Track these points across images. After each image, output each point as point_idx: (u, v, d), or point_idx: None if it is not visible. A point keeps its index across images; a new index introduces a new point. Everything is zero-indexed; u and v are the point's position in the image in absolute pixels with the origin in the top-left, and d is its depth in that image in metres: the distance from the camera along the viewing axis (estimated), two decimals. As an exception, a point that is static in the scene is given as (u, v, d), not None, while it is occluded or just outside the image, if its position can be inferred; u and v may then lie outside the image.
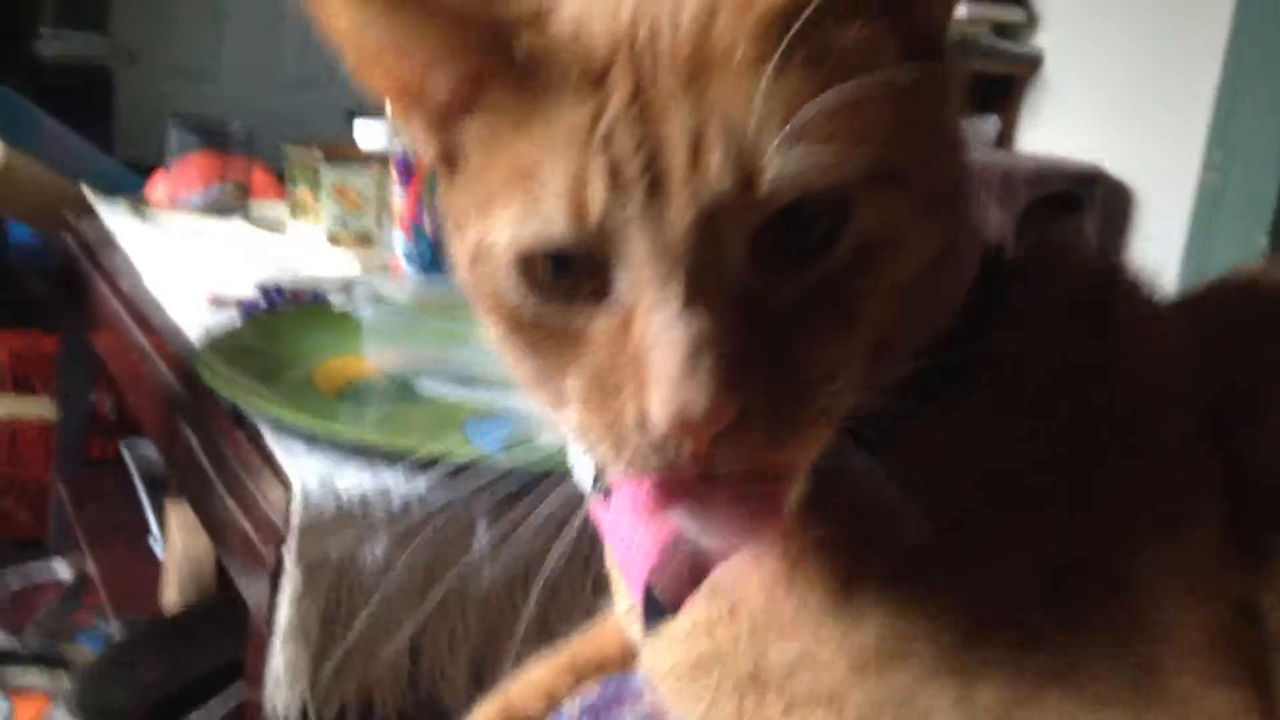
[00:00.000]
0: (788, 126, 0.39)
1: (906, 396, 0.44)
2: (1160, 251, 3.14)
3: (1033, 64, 3.47)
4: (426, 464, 0.91)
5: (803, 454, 0.41)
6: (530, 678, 0.66)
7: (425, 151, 0.48)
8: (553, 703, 0.64)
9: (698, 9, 0.41)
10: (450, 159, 0.46)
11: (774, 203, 0.39)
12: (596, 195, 0.40)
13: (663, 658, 0.49)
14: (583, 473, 0.53)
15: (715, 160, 0.39)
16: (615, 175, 0.40)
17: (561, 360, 0.43)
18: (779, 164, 0.39)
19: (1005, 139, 3.55)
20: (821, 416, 0.40)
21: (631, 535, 0.50)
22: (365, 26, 0.44)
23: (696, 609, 0.48)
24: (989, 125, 3.55)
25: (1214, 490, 0.45)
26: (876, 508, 0.44)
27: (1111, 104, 3.22)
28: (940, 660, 0.42)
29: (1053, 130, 3.42)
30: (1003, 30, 3.49)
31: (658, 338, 0.39)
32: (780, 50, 0.39)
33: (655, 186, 0.39)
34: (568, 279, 0.42)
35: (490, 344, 0.47)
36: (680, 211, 0.39)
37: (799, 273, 0.40)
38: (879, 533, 0.44)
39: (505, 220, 0.42)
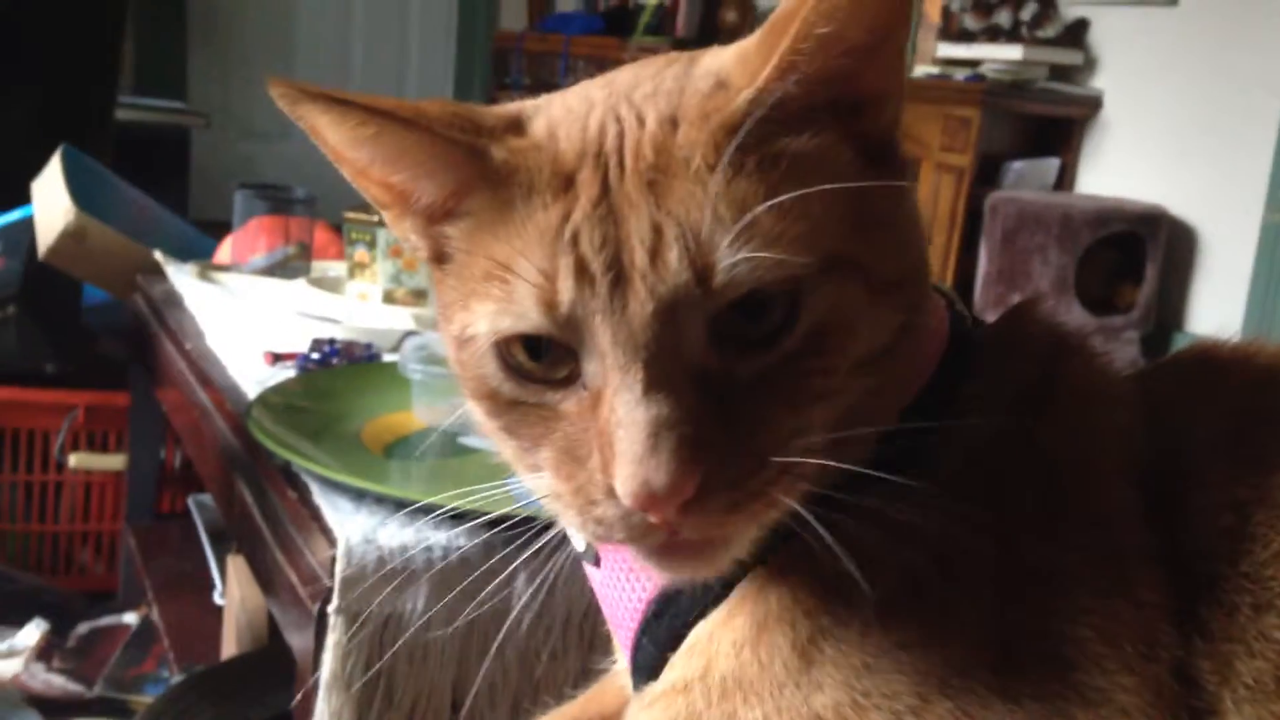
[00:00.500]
0: (738, 226, 0.42)
1: (866, 471, 0.46)
2: (1225, 291, 3.09)
3: (1092, 106, 3.45)
4: (468, 517, 0.93)
5: (761, 519, 0.45)
6: None
7: (418, 252, 0.52)
8: None
9: (660, 119, 0.45)
10: (439, 257, 0.51)
11: (727, 295, 0.43)
12: (565, 290, 0.44)
13: (643, 718, 0.50)
14: (575, 538, 0.55)
15: (673, 257, 0.43)
16: (581, 271, 0.44)
17: (536, 434, 0.46)
18: (730, 260, 0.42)
19: (1065, 180, 3.53)
20: (779, 485, 0.44)
21: (620, 597, 0.52)
22: (355, 145, 0.49)
23: (675, 669, 0.49)
24: (1049, 167, 3.53)
25: (1151, 558, 0.46)
26: (832, 575, 0.46)
27: (1172, 144, 3.19)
28: None
29: (1113, 171, 3.40)
30: (1061, 73, 3.49)
31: (622, 420, 0.42)
32: (728, 157, 0.43)
33: (618, 281, 0.43)
34: (542, 363, 0.46)
35: (477, 422, 0.51)
36: (640, 304, 0.43)
37: (755, 356, 0.44)
38: (834, 601, 0.46)
39: (484, 313, 0.46)
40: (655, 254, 0.43)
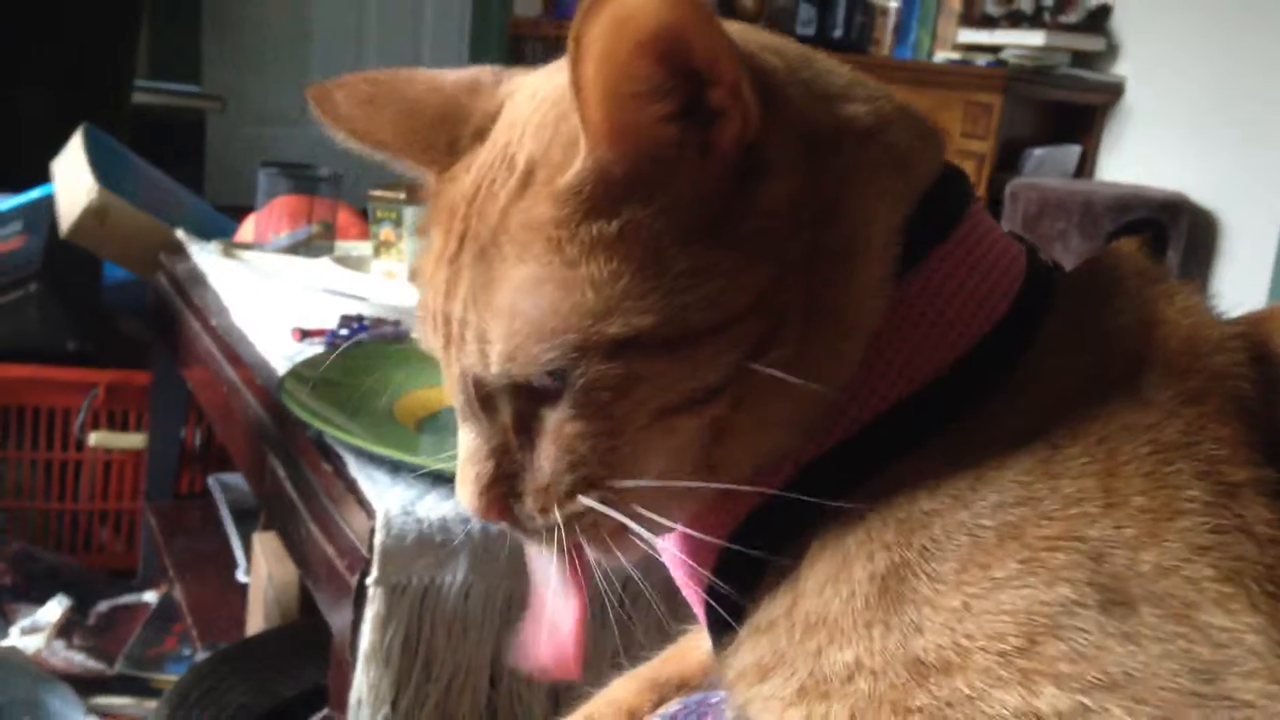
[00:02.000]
0: (501, 324, 0.46)
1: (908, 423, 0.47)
2: (1247, 277, 3.07)
3: (1114, 92, 3.43)
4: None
5: (605, 545, 0.50)
6: (611, 695, 0.67)
7: None
8: None
9: (514, 184, 0.48)
10: None
11: (504, 377, 0.47)
12: (426, 329, 0.52)
13: (731, 665, 0.49)
14: None
15: (468, 342, 0.48)
16: (433, 322, 0.50)
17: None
18: (495, 357, 0.47)
19: (1086, 167, 3.51)
20: (588, 527, 0.49)
21: (684, 551, 0.51)
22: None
23: (760, 611, 0.48)
24: (1070, 154, 3.51)
25: (1273, 494, 0.44)
26: (919, 511, 0.45)
27: (1194, 131, 3.17)
28: (999, 667, 0.42)
29: (1135, 158, 3.37)
30: (1083, 59, 3.46)
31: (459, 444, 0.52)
32: (529, 248, 0.47)
33: (446, 342, 0.50)
34: None
35: None
36: (454, 365, 0.49)
37: (548, 411, 0.48)
38: (922, 537, 0.44)
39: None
40: (461, 336, 0.48)
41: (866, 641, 0.44)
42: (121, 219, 1.82)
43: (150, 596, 1.90)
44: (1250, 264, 3.07)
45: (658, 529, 0.49)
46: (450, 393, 0.50)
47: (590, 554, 0.51)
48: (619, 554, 0.50)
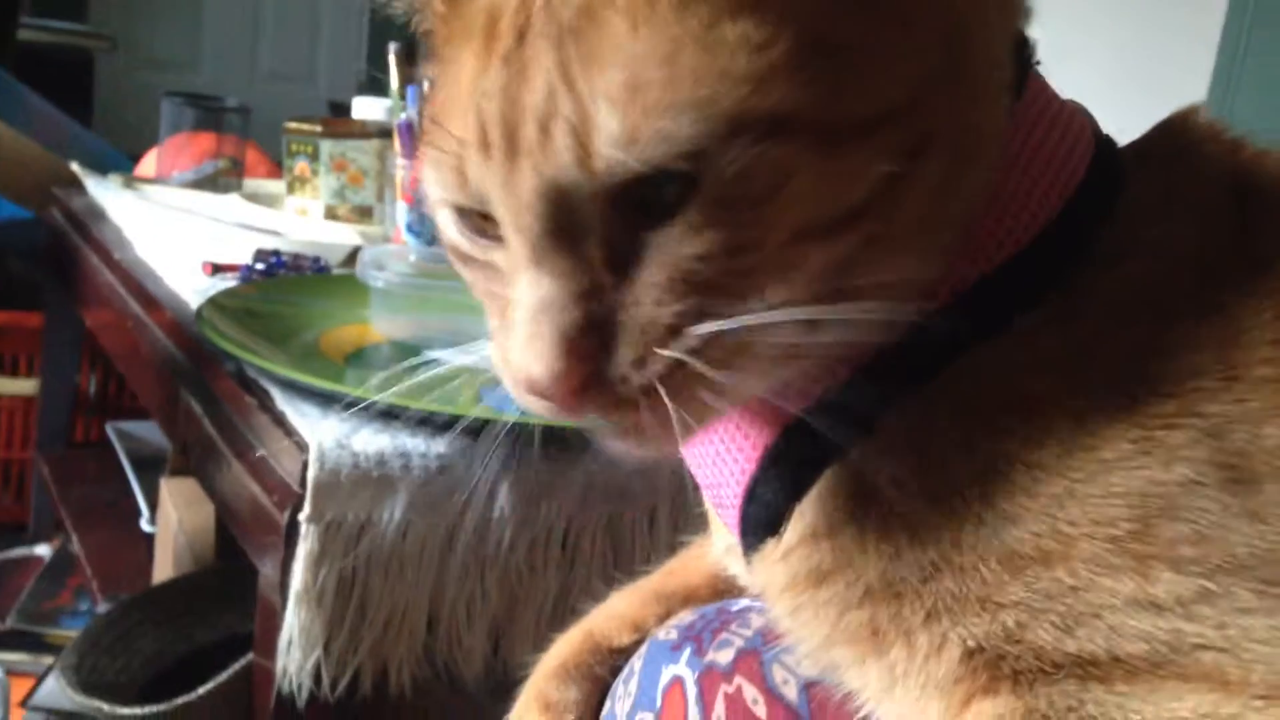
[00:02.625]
0: (618, 93, 0.37)
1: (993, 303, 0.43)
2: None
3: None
4: (445, 425, 0.88)
5: (688, 407, 0.41)
6: (613, 608, 0.63)
7: None
8: (640, 633, 0.60)
9: None
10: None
11: (612, 177, 0.38)
12: (471, 161, 0.40)
13: (778, 574, 0.46)
14: None
15: (559, 133, 0.38)
16: (484, 141, 0.40)
17: (487, 294, 0.44)
18: (606, 140, 0.37)
19: (995, 132, 3.56)
20: (684, 378, 0.40)
21: (721, 452, 0.48)
22: None
23: (810, 514, 0.45)
24: (978, 119, 3.56)
25: None
26: (1014, 395, 0.41)
27: (1105, 93, 3.22)
28: (1109, 554, 0.39)
29: (1043, 123, 3.43)
30: (993, 24, 3.50)
31: (513, 293, 0.41)
32: (641, 14, 0.37)
33: (513, 154, 0.39)
34: (489, 219, 0.42)
35: None
36: (526, 182, 0.39)
37: (657, 229, 0.39)
38: (1017, 422, 0.41)
39: (428, 174, 0.43)
40: (544, 130, 0.38)
41: (954, 535, 0.41)
42: (9, 149, 1.72)
43: (43, 550, 1.81)
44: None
45: (759, 381, 0.42)
46: (511, 226, 0.40)
47: (691, 410, 0.41)
48: (709, 412, 0.41)
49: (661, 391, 0.39)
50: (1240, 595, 0.38)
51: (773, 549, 0.46)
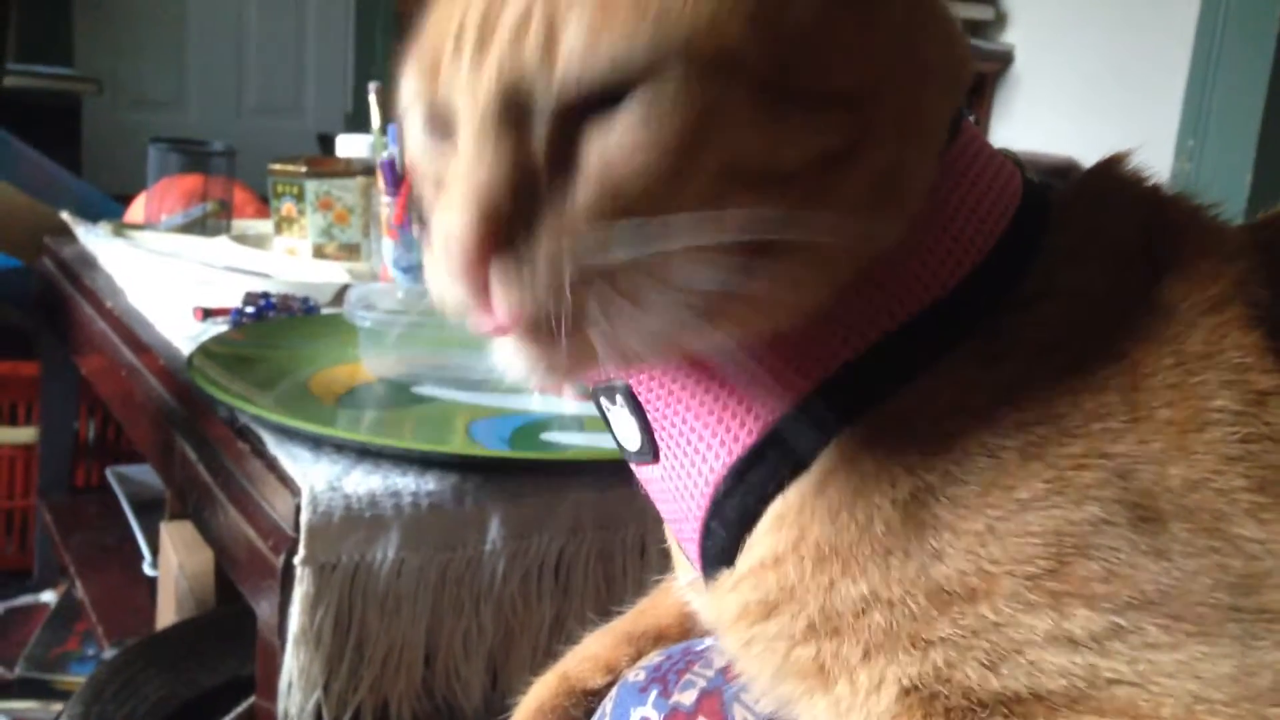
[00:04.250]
0: (591, 17, 0.39)
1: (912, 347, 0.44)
2: (1138, 241, 3.16)
3: (1003, 60, 3.49)
4: (436, 463, 0.89)
5: (585, 333, 0.40)
6: (587, 650, 0.64)
7: None
8: (613, 674, 0.61)
9: None
10: None
11: (570, 85, 0.39)
12: (445, 59, 0.42)
13: (729, 604, 0.47)
14: (627, 437, 0.51)
15: (529, 38, 0.40)
16: (459, 40, 0.42)
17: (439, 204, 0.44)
18: (569, 44, 0.39)
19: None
20: (605, 291, 0.40)
21: (681, 486, 0.49)
22: None
23: (757, 547, 0.46)
24: (961, 124, 3.58)
25: None
26: (935, 432, 0.43)
27: (1083, 96, 3.25)
28: (1028, 591, 0.41)
29: (1026, 124, 3.44)
30: (972, 28, 3.52)
31: (452, 173, 0.41)
32: None
33: (481, 51, 0.41)
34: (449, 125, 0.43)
35: None
36: (488, 77, 0.40)
37: (594, 147, 0.40)
38: (941, 458, 0.43)
39: (406, 77, 0.45)
40: (516, 33, 0.40)
41: (883, 571, 0.42)
42: (0, 201, 1.73)
43: (48, 596, 1.82)
44: (1137, 225, 3.17)
45: (658, 326, 0.41)
46: (465, 119, 0.41)
47: (595, 334, 0.41)
48: (632, 325, 0.41)
49: (563, 298, 0.40)
50: (1149, 631, 0.40)
51: (726, 579, 0.47)
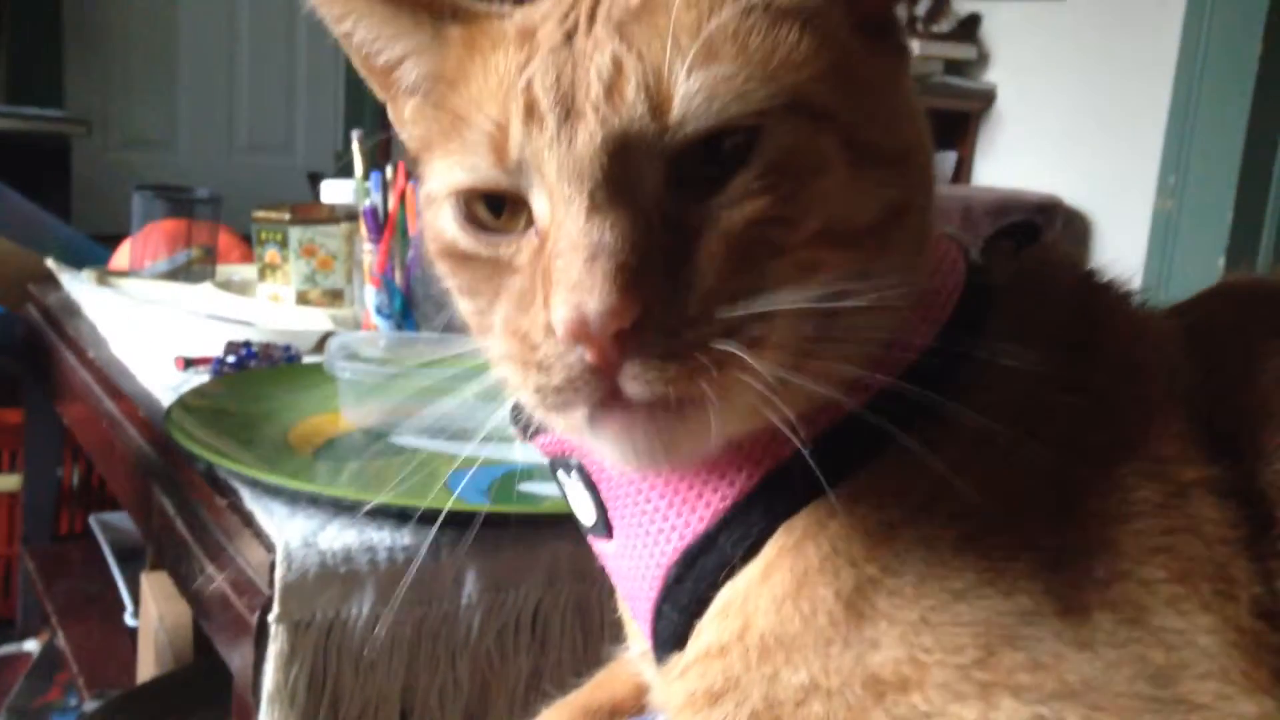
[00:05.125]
0: (695, 47, 0.41)
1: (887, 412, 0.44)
2: (1119, 275, 3.18)
3: (986, 99, 3.52)
4: (411, 516, 0.89)
5: (719, 386, 0.41)
6: None
7: (411, 143, 0.52)
8: None
9: None
10: (421, 145, 0.50)
11: (683, 130, 0.41)
12: (515, 133, 0.43)
13: (677, 691, 0.47)
14: (582, 511, 0.52)
15: (629, 89, 0.41)
16: (531, 112, 0.42)
17: (491, 291, 0.45)
18: (686, 89, 0.41)
19: (962, 173, 3.60)
20: (727, 343, 0.40)
21: (637, 565, 0.50)
22: (355, 23, 0.50)
23: (706, 633, 0.47)
24: (947, 160, 3.60)
25: (1219, 492, 0.45)
26: (875, 523, 0.43)
27: (1065, 134, 3.27)
28: (958, 681, 0.41)
29: (1009, 162, 3.47)
30: (955, 67, 3.55)
31: (561, 248, 0.41)
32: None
33: (567, 116, 0.42)
34: (500, 217, 0.45)
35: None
36: (589, 135, 0.41)
37: (710, 195, 0.41)
38: (881, 550, 0.44)
39: (444, 167, 0.45)
40: (612, 87, 0.41)
41: (823, 661, 0.43)
42: (-14, 249, 1.74)
43: (31, 645, 1.80)
44: (1123, 261, 3.17)
45: (781, 375, 0.42)
46: (564, 183, 0.41)
47: (713, 413, 0.41)
48: (740, 399, 0.41)
49: (699, 374, 0.40)
50: (1071, 716, 0.40)
51: (675, 663, 0.48)
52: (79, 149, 4.51)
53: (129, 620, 1.55)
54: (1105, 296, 0.52)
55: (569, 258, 0.40)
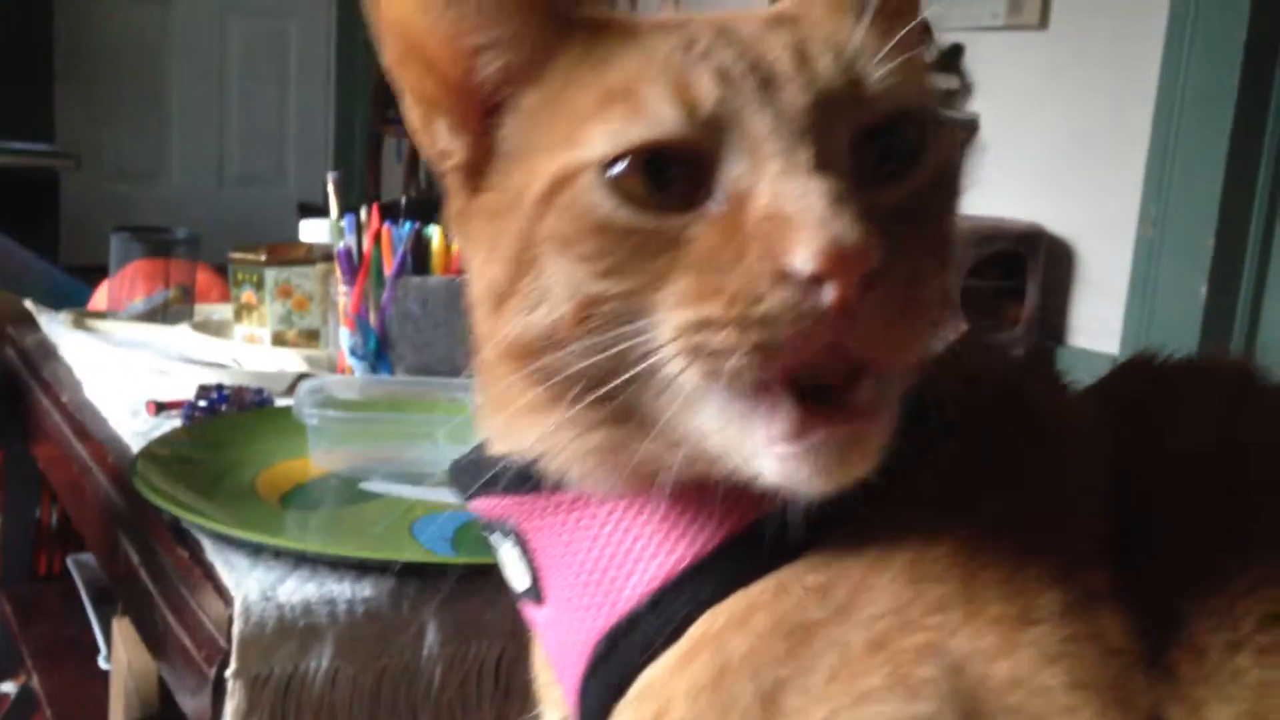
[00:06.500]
0: (881, 53, 0.44)
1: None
2: (1103, 304, 3.19)
3: (969, 129, 3.54)
4: (373, 567, 0.89)
5: (913, 349, 0.43)
6: None
7: (449, 155, 0.49)
8: None
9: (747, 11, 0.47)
10: (481, 155, 0.48)
11: (876, 106, 0.43)
12: (708, 90, 0.43)
13: None
14: (515, 576, 0.52)
15: (824, 63, 0.44)
16: (723, 75, 0.43)
17: (659, 267, 0.42)
18: (879, 75, 0.43)
19: (948, 203, 3.61)
20: (932, 314, 0.43)
21: (567, 636, 0.49)
22: (436, 6, 0.46)
23: (623, 716, 0.47)
24: (931, 190, 3.62)
25: (1120, 598, 0.45)
26: (796, 621, 0.44)
27: (1047, 163, 3.29)
28: None
29: (991, 192, 3.47)
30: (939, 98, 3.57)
31: (794, 193, 0.40)
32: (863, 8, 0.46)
33: (766, 82, 0.43)
34: (667, 188, 0.43)
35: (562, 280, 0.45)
36: (796, 95, 0.43)
37: (890, 186, 0.44)
38: (800, 649, 0.44)
39: (602, 134, 0.43)
40: (803, 61, 0.43)
41: None
42: (-37, 290, 1.74)
43: (8, 687, 1.79)
44: (1106, 289, 3.19)
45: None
46: (781, 138, 0.42)
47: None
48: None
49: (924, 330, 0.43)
50: None
51: None
52: (70, 181, 4.52)
53: (102, 664, 1.54)
54: (1030, 386, 0.52)
55: (810, 201, 0.40)
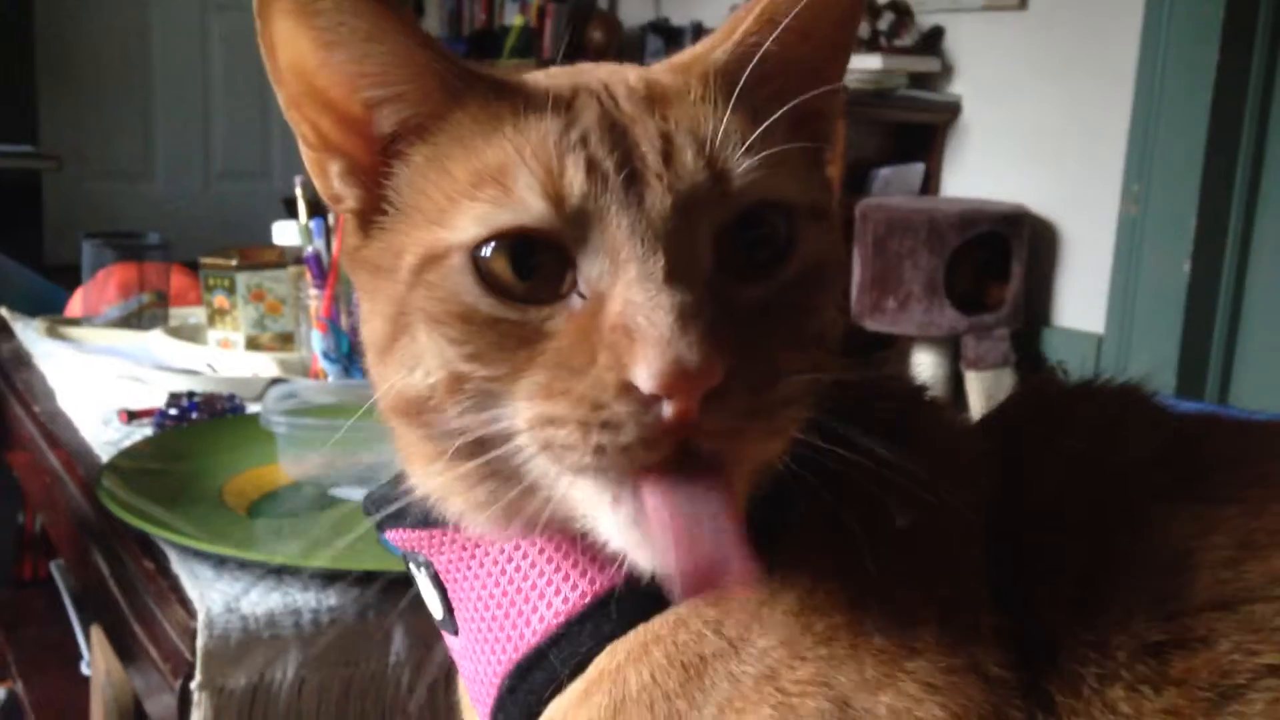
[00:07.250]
0: (747, 143, 0.43)
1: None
2: (1087, 283, 3.19)
3: (952, 111, 3.54)
4: (338, 576, 0.89)
5: (770, 446, 0.43)
6: None
7: (341, 200, 0.49)
8: None
9: (640, 74, 0.47)
10: (370, 205, 0.48)
11: (741, 200, 0.43)
12: (575, 182, 0.43)
13: None
14: (431, 606, 0.52)
15: (688, 158, 0.43)
16: (592, 167, 0.43)
17: (517, 359, 0.43)
18: (744, 167, 0.43)
19: (930, 185, 3.61)
20: (788, 411, 0.43)
21: (479, 669, 0.50)
22: (331, 47, 0.46)
23: None
24: (914, 172, 3.61)
25: (1000, 629, 0.45)
26: (691, 657, 0.44)
27: (1030, 144, 3.29)
28: None
29: (975, 173, 3.48)
30: (920, 80, 3.57)
31: (643, 307, 0.41)
32: (725, 94, 0.45)
33: (632, 178, 0.43)
34: (527, 281, 0.43)
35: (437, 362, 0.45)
36: (659, 198, 0.42)
37: (753, 283, 0.44)
38: (692, 686, 0.44)
39: (471, 217, 0.43)
40: (669, 156, 0.43)
41: None
42: (-63, 299, 1.74)
43: (-7, 693, 1.79)
44: (1089, 270, 3.20)
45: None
46: (636, 241, 0.42)
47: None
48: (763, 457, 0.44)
49: (761, 423, 0.42)
50: None
51: None
52: (55, 182, 4.51)
53: (85, 670, 1.54)
54: (921, 416, 0.52)
55: (656, 315, 0.40)
